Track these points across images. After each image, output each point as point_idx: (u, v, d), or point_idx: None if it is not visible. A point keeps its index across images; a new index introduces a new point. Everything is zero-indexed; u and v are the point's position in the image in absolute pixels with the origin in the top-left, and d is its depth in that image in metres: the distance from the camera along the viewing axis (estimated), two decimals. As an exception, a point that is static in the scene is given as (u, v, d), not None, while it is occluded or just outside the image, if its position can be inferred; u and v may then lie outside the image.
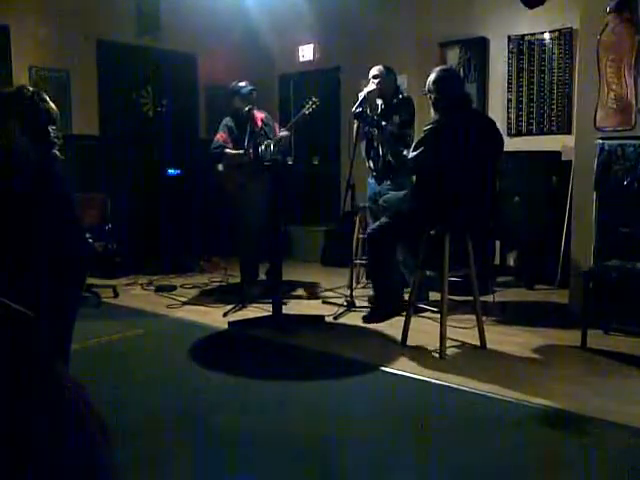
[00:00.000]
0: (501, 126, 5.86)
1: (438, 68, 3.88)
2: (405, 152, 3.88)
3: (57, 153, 2.43)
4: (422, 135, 3.72)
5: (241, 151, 4.95)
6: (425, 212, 3.71)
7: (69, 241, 2.36)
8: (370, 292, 5.09)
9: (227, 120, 5.17)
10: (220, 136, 5.12)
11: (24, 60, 5.80)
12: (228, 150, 5.05)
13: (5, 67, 5.65)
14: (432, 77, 3.77)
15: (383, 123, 4.49)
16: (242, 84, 5.16)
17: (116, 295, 5.15)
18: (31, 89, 2.48)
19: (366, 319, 4.32)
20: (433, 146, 3.64)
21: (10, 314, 1.23)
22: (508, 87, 5.93)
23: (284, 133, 5.05)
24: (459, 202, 3.57)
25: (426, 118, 4.13)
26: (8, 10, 5.65)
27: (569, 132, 5.44)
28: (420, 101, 4.70)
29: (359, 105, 4.52)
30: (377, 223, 4.24)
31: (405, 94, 4.78)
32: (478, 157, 3.61)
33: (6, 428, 1.10)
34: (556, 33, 5.58)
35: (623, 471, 2.30)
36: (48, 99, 2.46)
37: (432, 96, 3.75)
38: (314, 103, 4.90)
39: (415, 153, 3.73)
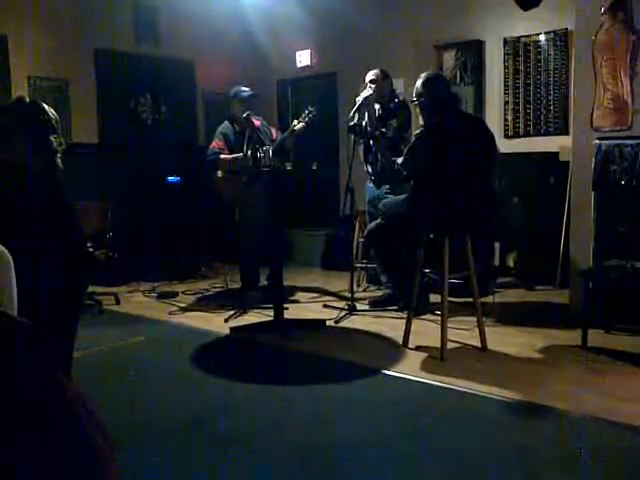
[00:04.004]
0: (498, 128, 5.91)
1: (424, 74, 3.95)
2: (399, 160, 3.94)
3: (59, 162, 2.44)
4: (411, 142, 3.78)
5: (240, 154, 4.94)
6: (423, 216, 3.73)
7: (70, 250, 2.38)
8: (372, 295, 5.12)
9: (223, 127, 5.18)
10: (215, 144, 5.13)
11: (23, 70, 5.82)
12: (224, 155, 5.05)
13: (4, 78, 5.68)
14: (419, 82, 3.89)
15: (377, 132, 4.55)
16: (243, 88, 5.17)
17: (118, 302, 5.17)
18: (29, 100, 2.49)
19: (371, 304, 4.74)
20: (422, 151, 3.69)
21: (8, 323, 1.24)
22: (505, 89, 5.95)
23: (284, 136, 5.06)
24: (456, 204, 3.59)
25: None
26: (6, 20, 5.68)
27: (566, 133, 5.45)
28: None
29: (356, 110, 4.60)
30: (374, 223, 4.34)
31: (401, 98, 4.82)
32: (470, 157, 3.64)
33: (3, 438, 1.11)
34: (551, 34, 5.61)
35: (623, 471, 2.30)
36: (47, 108, 2.46)
37: (420, 101, 3.84)
38: (310, 112, 4.90)
39: (402, 160, 3.83)
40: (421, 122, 3.87)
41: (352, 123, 4.61)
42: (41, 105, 2.46)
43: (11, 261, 1.76)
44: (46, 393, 1.13)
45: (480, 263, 3.84)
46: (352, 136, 4.68)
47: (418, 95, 3.85)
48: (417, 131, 3.78)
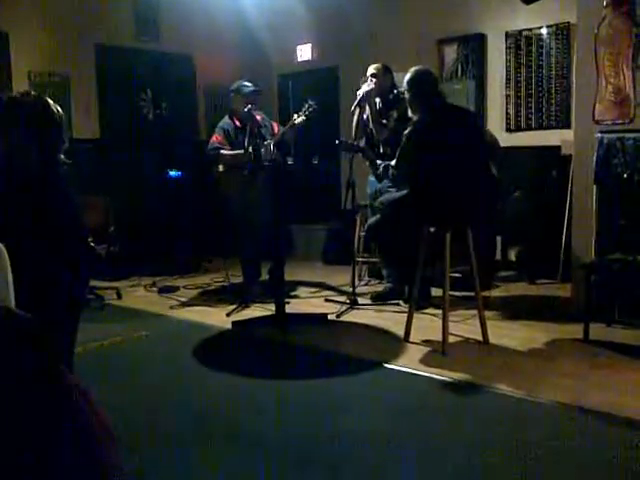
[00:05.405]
0: (500, 122, 5.91)
1: (412, 68, 3.94)
2: (392, 163, 3.95)
3: (62, 157, 2.44)
4: (402, 143, 3.76)
5: (240, 151, 4.93)
6: (424, 209, 3.72)
7: (72, 245, 2.38)
8: (373, 289, 5.12)
9: (223, 122, 5.16)
10: (215, 138, 5.11)
11: (23, 65, 5.82)
12: (224, 151, 5.04)
13: (5, 73, 5.67)
14: (407, 77, 3.89)
15: (361, 144, 4.63)
16: (246, 83, 5.15)
17: (119, 297, 5.17)
18: (34, 94, 2.48)
19: (373, 298, 4.76)
20: (413, 150, 3.68)
21: (14, 319, 1.25)
22: (507, 83, 5.93)
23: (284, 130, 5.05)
24: (455, 197, 3.58)
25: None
26: (7, 16, 5.67)
27: (568, 126, 5.44)
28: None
29: (357, 104, 4.61)
30: (374, 217, 4.34)
31: (401, 89, 4.81)
32: (462, 149, 3.63)
33: (11, 431, 1.11)
34: (553, 28, 5.59)
35: (625, 465, 2.30)
36: (52, 103, 2.46)
37: (408, 96, 3.85)
38: (310, 106, 4.88)
39: (395, 162, 3.85)
40: (411, 118, 3.86)
41: (337, 141, 4.75)
42: (46, 99, 2.46)
43: (7, 256, 1.77)
44: (47, 384, 1.14)
45: (481, 256, 3.82)
46: (354, 121, 4.73)
47: (405, 89, 3.88)
48: (406, 131, 3.76)
